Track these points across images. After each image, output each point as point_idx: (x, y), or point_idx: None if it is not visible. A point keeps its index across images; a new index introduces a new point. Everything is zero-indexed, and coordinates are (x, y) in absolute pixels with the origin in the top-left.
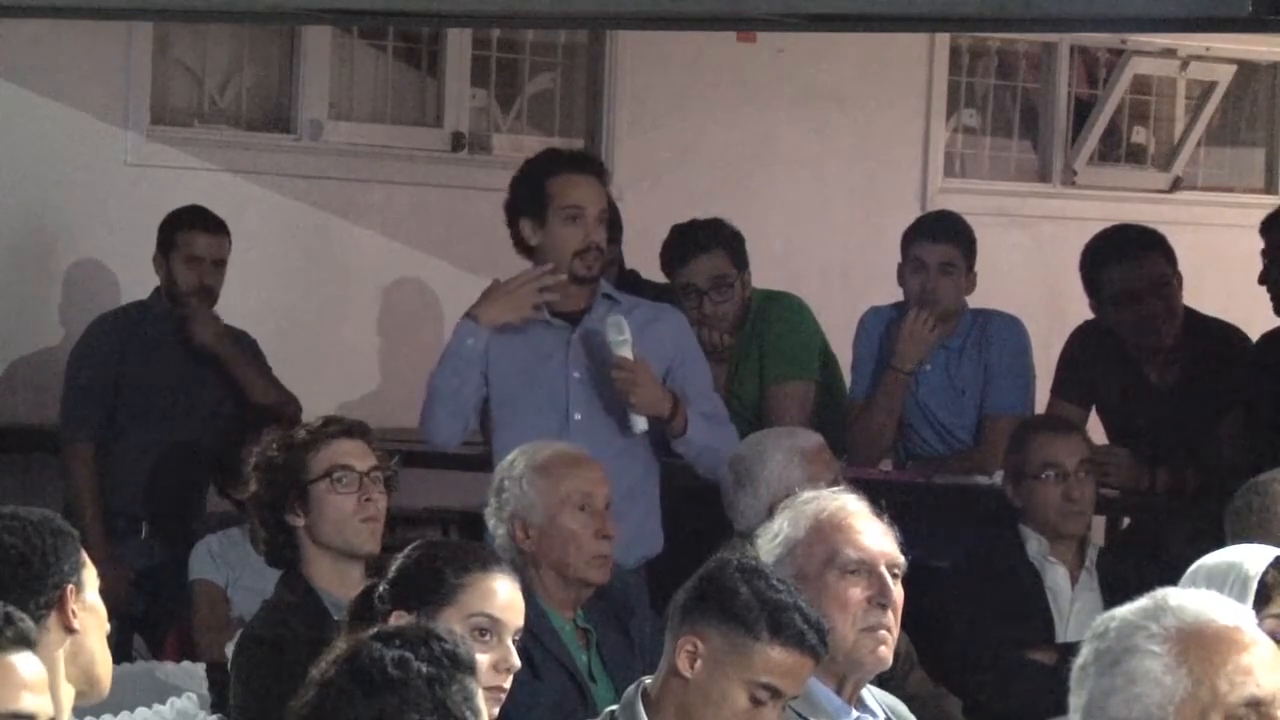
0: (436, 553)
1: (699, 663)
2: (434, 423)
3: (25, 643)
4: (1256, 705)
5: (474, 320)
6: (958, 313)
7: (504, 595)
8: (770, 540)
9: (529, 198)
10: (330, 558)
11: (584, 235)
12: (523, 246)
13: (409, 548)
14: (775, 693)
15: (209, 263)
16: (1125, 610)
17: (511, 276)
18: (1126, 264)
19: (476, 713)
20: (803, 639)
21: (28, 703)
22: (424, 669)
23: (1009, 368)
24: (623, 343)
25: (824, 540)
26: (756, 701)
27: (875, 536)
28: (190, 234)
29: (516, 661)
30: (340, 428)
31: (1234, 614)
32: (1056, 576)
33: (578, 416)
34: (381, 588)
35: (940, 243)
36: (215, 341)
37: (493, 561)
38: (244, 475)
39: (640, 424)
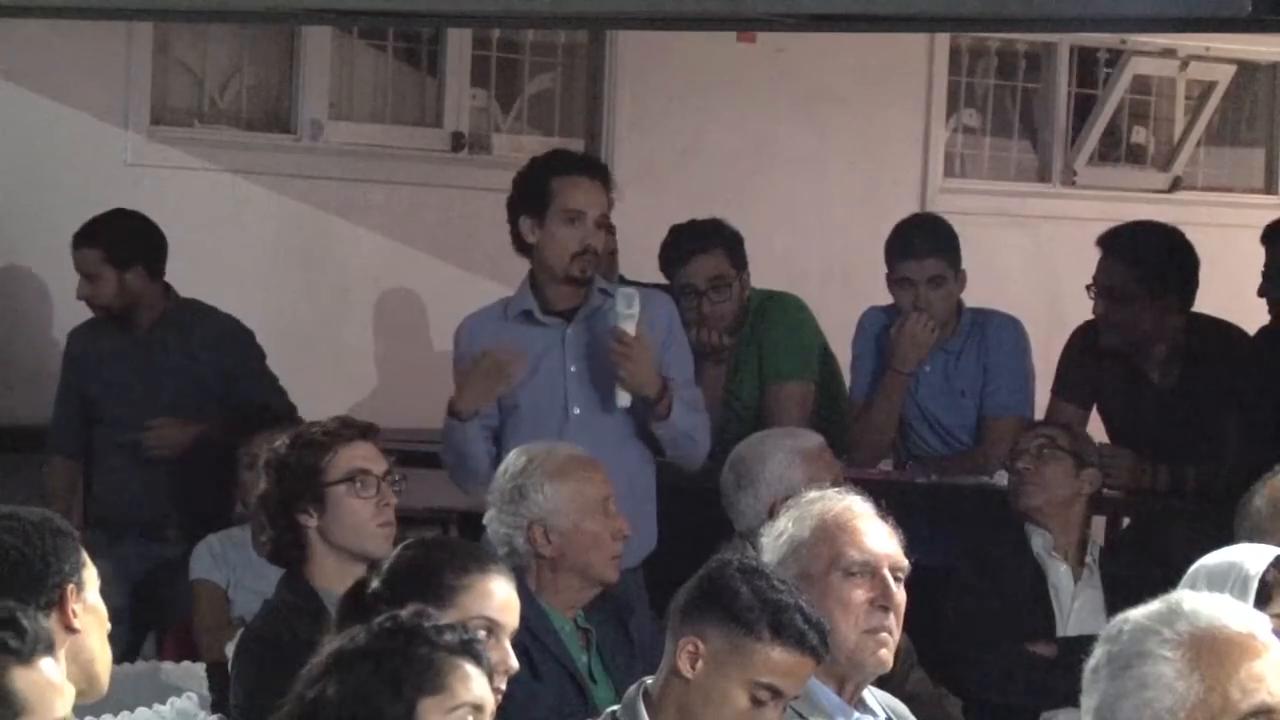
0: (433, 553)
1: (700, 663)
2: (464, 485)
3: (17, 657)
4: (1268, 713)
5: (456, 417)
6: (955, 315)
7: (502, 596)
8: (775, 539)
9: (531, 196)
10: (338, 558)
11: (581, 238)
12: (520, 244)
13: (402, 546)
14: (776, 693)
15: (82, 277)
16: (1139, 613)
17: (476, 364)
18: (1102, 259)
19: (463, 693)
20: (803, 639)
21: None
22: (407, 646)
23: (1007, 369)
24: (628, 316)
25: (828, 541)
26: (757, 702)
27: (879, 538)
28: (75, 250)
29: (515, 663)
30: (357, 430)
31: (1247, 620)
32: (1059, 574)
33: (576, 411)
34: (375, 584)
35: (925, 258)
36: (174, 452)
37: (489, 561)
38: (242, 474)
39: (623, 399)
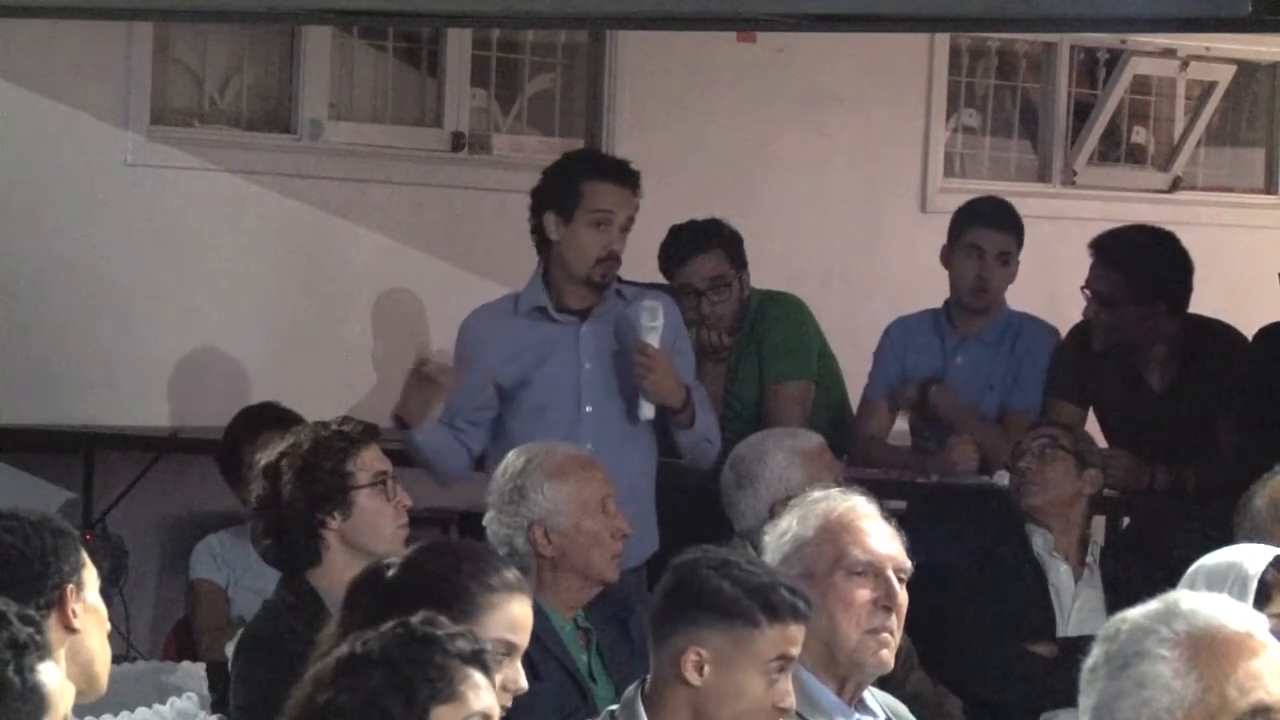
0: (461, 565)
1: (706, 668)
2: (437, 477)
3: (40, 655)
4: (1266, 712)
5: (404, 425)
6: (999, 307)
7: (523, 617)
8: (779, 538)
9: (560, 193)
10: (353, 560)
11: (606, 243)
12: (541, 237)
13: (424, 550)
14: (786, 662)
15: None
16: (1136, 613)
17: (413, 371)
18: (1093, 262)
19: (456, 697)
20: (796, 610)
21: None
22: (421, 653)
23: (1035, 369)
24: (652, 329)
25: (832, 540)
26: (772, 680)
27: (884, 539)
28: None
29: (524, 684)
30: (370, 431)
31: (1245, 619)
32: (1060, 573)
33: (589, 409)
34: (393, 575)
35: (1002, 232)
36: None
37: (514, 579)
38: (244, 474)
39: (648, 411)
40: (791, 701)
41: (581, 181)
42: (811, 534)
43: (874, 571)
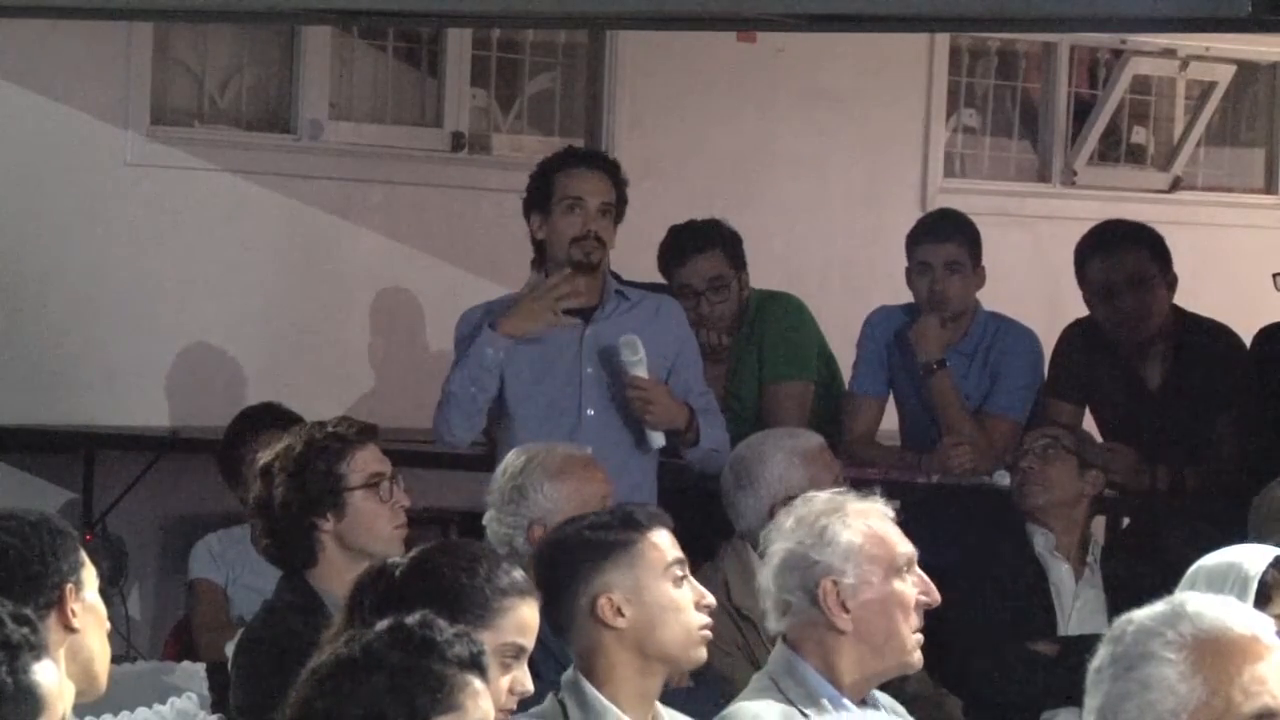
0: (473, 567)
1: (623, 606)
2: (448, 426)
3: (35, 655)
4: (1270, 716)
5: (496, 330)
6: (969, 312)
7: (532, 620)
8: (824, 546)
9: (537, 193)
10: (350, 560)
11: (582, 223)
12: (535, 245)
13: (433, 550)
14: (679, 565)
15: None
16: (1143, 614)
17: (533, 289)
18: (1106, 258)
19: (455, 707)
20: (654, 516)
21: None
22: (420, 660)
23: (1015, 375)
24: (637, 362)
25: (881, 543)
26: (679, 582)
27: (901, 535)
28: None
29: (531, 686)
30: (367, 432)
31: (1251, 622)
32: (1061, 573)
33: (590, 412)
34: (401, 575)
35: (945, 242)
36: None
37: (524, 581)
38: (244, 474)
39: (658, 440)
40: (711, 598)
41: (553, 176)
42: (860, 540)
43: (912, 569)
